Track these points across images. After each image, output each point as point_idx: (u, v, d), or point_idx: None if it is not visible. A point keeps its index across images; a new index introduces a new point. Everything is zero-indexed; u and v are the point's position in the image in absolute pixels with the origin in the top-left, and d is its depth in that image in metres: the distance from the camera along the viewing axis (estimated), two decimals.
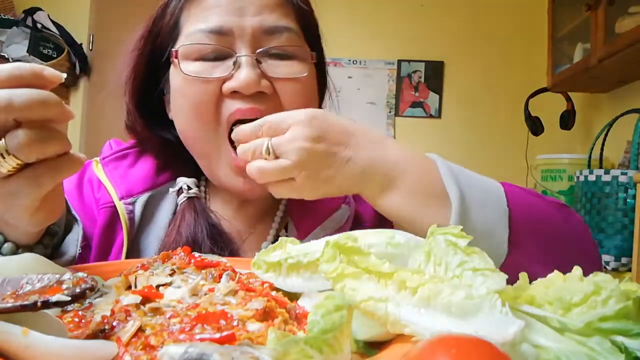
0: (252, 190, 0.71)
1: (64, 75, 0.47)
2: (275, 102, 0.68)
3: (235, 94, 0.67)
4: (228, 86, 0.67)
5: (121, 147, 0.81)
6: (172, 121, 0.76)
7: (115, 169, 0.77)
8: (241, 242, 0.77)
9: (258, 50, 0.67)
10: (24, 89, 0.43)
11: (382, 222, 0.76)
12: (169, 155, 0.78)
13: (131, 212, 0.73)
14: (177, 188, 0.75)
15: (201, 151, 0.73)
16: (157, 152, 0.79)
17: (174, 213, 0.75)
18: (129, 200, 0.73)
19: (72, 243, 0.62)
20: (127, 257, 0.71)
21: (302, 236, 0.73)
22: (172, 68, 0.72)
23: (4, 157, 0.44)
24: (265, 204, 0.80)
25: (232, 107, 0.67)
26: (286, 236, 0.77)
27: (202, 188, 0.80)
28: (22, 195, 0.47)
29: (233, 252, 0.72)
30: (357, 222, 0.77)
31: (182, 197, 0.74)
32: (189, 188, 0.74)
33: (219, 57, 0.68)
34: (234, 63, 0.67)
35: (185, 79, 0.68)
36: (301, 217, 0.77)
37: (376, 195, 0.60)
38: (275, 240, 0.76)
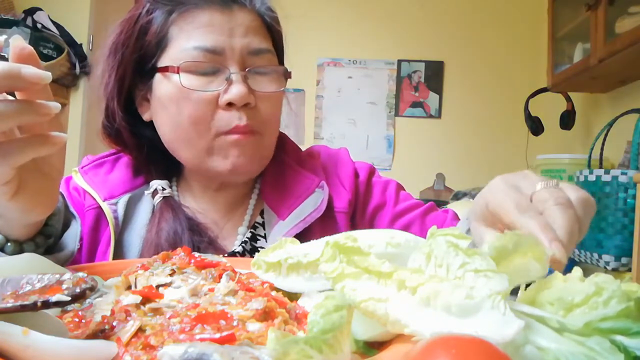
0: (243, 166, 0.76)
1: (49, 74, 0.44)
2: (255, 114, 0.76)
3: (229, 105, 0.75)
4: (224, 98, 0.74)
5: (97, 157, 0.87)
6: (145, 123, 0.81)
7: (95, 175, 0.83)
8: (219, 230, 0.82)
9: (247, 69, 0.76)
10: None
11: (355, 212, 0.84)
12: (144, 155, 0.84)
13: (115, 212, 0.79)
14: (151, 190, 0.82)
15: (189, 153, 0.78)
16: (134, 152, 0.85)
17: (153, 212, 0.81)
18: (112, 201, 0.80)
19: (71, 238, 0.64)
20: (113, 254, 0.77)
21: (283, 217, 0.79)
22: (159, 77, 0.76)
23: None
24: (237, 193, 0.85)
25: (226, 117, 0.75)
26: (262, 220, 0.83)
27: (174, 188, 0.86)
28: None
29: (212, 240, 0.78)
30: (330, 208, 0.81)
31: (158, 197, 0.81)
32: (163, 189, 0.82)
33: (212, 72, 0.75)
34: (227, 79, 0.75)
35: (182, 91, 0.74)
36: (277, 201, 0.82)
37: None
38: (251, 225, 0.83)
